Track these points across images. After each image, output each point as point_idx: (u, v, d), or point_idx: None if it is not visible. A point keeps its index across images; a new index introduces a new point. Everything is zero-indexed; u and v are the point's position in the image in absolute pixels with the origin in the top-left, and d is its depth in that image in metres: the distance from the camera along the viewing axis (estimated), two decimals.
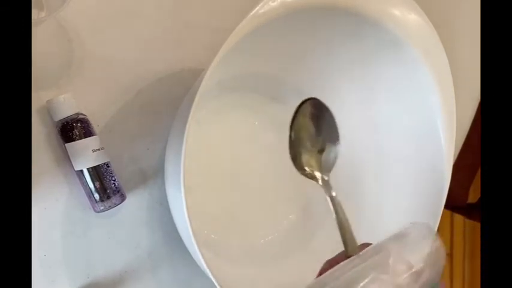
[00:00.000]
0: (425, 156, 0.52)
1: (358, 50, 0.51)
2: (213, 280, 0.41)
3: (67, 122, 0.47)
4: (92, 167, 0.47)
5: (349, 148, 0.59)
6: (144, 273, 0.52)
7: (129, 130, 0.52)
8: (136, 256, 0.52)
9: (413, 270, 0.33)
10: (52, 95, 0.47)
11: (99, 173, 0.48)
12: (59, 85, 0.49)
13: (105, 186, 0.48)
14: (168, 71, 0.54)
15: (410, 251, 0.35)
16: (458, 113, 0.51)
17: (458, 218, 1.53)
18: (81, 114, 0.48)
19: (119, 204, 0.49)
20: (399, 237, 0.37)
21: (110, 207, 0.48)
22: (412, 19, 0.47)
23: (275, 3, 0.41)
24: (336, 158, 0.45)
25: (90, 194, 0.48)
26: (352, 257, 0.36)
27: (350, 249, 0.39)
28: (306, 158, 0.44)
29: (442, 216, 0.51)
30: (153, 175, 0.53)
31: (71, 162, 0.47)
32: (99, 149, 0.47)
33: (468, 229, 1.57)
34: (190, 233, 0.39)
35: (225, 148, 0.56)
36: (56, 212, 0.48)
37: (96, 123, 0.49)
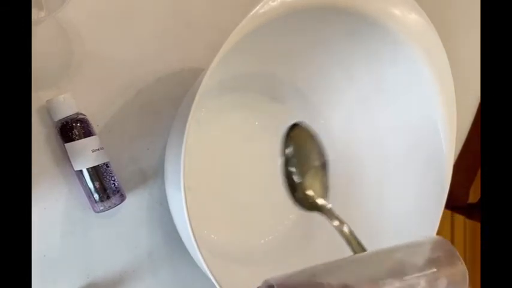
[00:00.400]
0: (425, 157, 0.52)
1: (358, 50, 0.51)
2: (213, 280, 0.41)
3: (67, 122, 0.47)
4: (91, 167, 0.47)
5: (349, 148, 0.59)
6: (144, 273, 0.52)
7: (129, 130, 0.52)
8: (136, 256, 0.52)
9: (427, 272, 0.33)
10: (52, 95, 0.47)
11: (98, 173, 0.48)
12: (59, 85, 0.49)
13: (105, 186, 0.48)
14: (168, 71, 0.54)
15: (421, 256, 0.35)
16: (458, 113, 0.51)
17: (458, 218, 1.52)
18: (81, 114, 0.48)
19: (118, 204, 0.49)
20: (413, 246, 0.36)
21: (110, 207, 0.48)
22: (412, 19, 0.47)
23: (275, 3, 0.41)
24: (328, 181, 0.45)
25: (89, 194, 0.48)
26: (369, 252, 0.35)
27: None
28: (305, 183, 0.44)
29: (442, 216, 0.51)
30: (153, 175, 0.53)
31: (70, 162, 0.47)
32: (98, 149, 0.47)
33: (468, 229, 1.57)
34: (190, 233, 0.39)
35: (225, 148, 0.56)
36: (55, 212, 0.48)
37: (95, 123, 0.49)
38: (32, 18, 0.46)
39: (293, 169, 0.43)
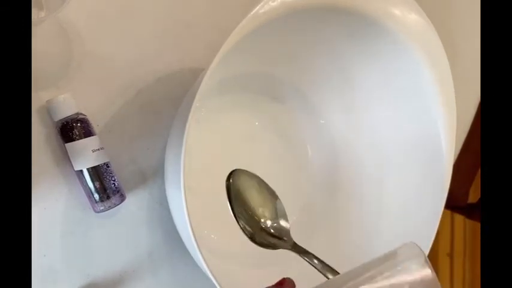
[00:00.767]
0: (425, 157, 0.52)
1: (358, 50, 0.51)
2: (213, 280, 0.41)
3: (67, 122, 0.47)
4: (91, 167, 0.47)
5: (349, 148, 0.59)
6: (144, 273, 0.52)
7: (129, 130, 0.52)
8: (136, 256, 0.52)
9: None
10: (52, 95, 0.47)
11: (99, 173, 0.48)
12: (59, 85, 0.49)
13: (105, 186, 0.48)
14: (168, 70, 0.54)
15: (398, 272, 0.34)
16: (458, 113, 0.51)
17: (458, 218, 1.52)
18: (81, 114, 0.48)
19: (118, 204, 0.49)
20: (388, 257, 0.36)
21: (110, 207, 0.48)
22: (412, 19, 0.47)
23: (275, 3, 0.41)
24: (284, 210, 0.45)
25: (90, 194, 0.48)
26: (338, 276, 0.35)
27: None
28: (260, 232, 0.44)
29: (442, 216, 0.51)
30: (153, 175, 0.53)
31: (70, 162, 0.47)
32: (99, 149, 0.47)
33: (468, 229, 1.57)
34: (190, 233, 0.39)
35: (225, 148, 0.56)
36: (55, 212, 0.48)
37: (96, 123, 0.49)
38: (32, 18, 0.46)
39: (243, 222, 0.44)
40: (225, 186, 0.44)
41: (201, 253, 0.39)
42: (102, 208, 0.48)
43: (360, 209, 0.57)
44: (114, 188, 0.48)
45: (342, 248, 0.56)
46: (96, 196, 0.48)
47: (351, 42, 0.50)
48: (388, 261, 0.34)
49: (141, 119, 0.52)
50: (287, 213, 0.58)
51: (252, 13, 0.40)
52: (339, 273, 0.39)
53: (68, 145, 0.47)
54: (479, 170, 1.03)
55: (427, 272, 0.32)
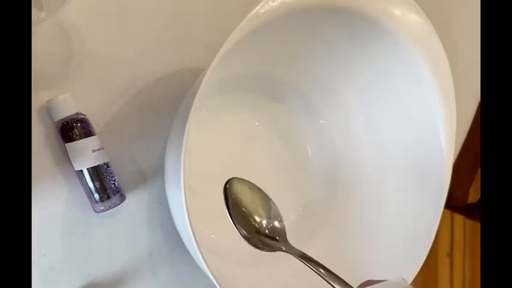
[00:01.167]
0: (425, 156, 0.53)
1: (358, 50, 0.51)
2: (213, 280, 0.41)
3: (67, 122, 0.47)
4: (91, 167, 0.47)
5: (349, 148, 0.59)
6: (144, 273, 0.52)
7: (129, 130, 0.52)
8: (136, 256, 0.52)
9: None
10: (52, 95, 0.47)
11: (99, 173, 0.48)
12: (59, 85, 0.49)
13: (105, 186, 0.48)
14: (168, 70, 0.54)
15: None
16: (458, 113, 0.51)
17: (458, 218, 1.53)
18: (81, 114, 0.48)
19: (118, 204, 0.49)
20: None
21: (110, 207, 0.48)
22: (412, 19, 0.47)
23: (275, 3, 0.41)
24: (279, 213, 0.47)
25: (90, 194, 0.48)
26: None
27: None
28: (256, 235, 0.46)
29: (442, 216, 0.51)
30: (153, 175, 0.53)
31: (70, 162, 0.47)
32: (99, 149, 0.47)
33: (468, 229, 1.57)
34: (190, 233, 0.39)
35: (225, 148, 0.56)
36: (56, 212, 0.48)
37: (96, 123, 0.49)
38: (32, 18, 0.46)
39: (240, 226, 0.45)
40: (223, 193, 0.45)
41: (201, 253, 0.39)
42: (102, 208, 0.48)
43: (359, 209, 0.57)
44: (114, 188, 0.48)
45: (341, 248, 0.56)
46: (96, 196, 0.48)
47: (350, 42, 0.50)
48: None
49: (141, 119, 0.52)
50: (287, 213, 0.58)
51: (252, 13, 0.40)
52: (335, 274, 0.40)
53: (68, 145, 0.47)
54: (479, 170, 1.03)
55: None
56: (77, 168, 0.47)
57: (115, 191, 0.49)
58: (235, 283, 0.45)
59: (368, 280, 0.38)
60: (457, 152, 0.70)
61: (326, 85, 0.56)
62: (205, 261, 0.40)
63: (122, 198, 0.49)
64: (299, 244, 0.57)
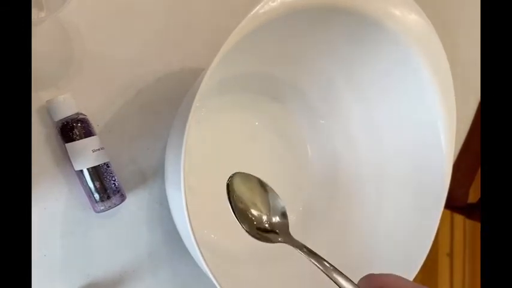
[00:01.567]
0: (425, 156, 0.52)
1: (358, 50, 0.51)
2: (213, 280, 0.41)
3: (67, 122, 0.47)
4: (91, 167, 0.47)
5: (349, 148, 0.59)
6: (144, 273, 0.52)
7: (129, 130, 0.52)
8: (136, 256, 0.52)
9: None
10: (52, 95, 0.47)
11: (99, 173, 0.48)
12: (59, 85, 0.49)
13: (105, 186, 0.48)
14: (168, 70, 0.54)
15: None
16: (458, 112, 0.51)
17: (458, 218, 1.53)
18: (81, 114, 0.48)
19: (118, 204, 0.49)
20: None
21: (110, 207, 0.48)
22: (412, 19, 0.47)
23: (275, 3, 0.41)
24: (283, 206, 0.46)
25: (90, 194, 0.48)
26: None
27: None
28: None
29: (442, 216, 0.51)
30: (153, 175, 0.53)
31: (70, 162, 0.47)
32: (99, 149, 0.47)
33: (468, 229, 1.57)
34: (190, 233, 0.39)
35: (225, 148, 0.56)
36: (56, 212, 0.48)
37: (96, 123, 0.49)
38: (32, 18, 0.46)
39: (241, 218, 0.45)
40: (226, 186, 0.45)
41: (201, 253, 0.39)
42: (102, 208, 0.48)
43: (359, 209, 0.57)
44: (114, 188, 0.48)
45: (341, 248, 0.56)
46: (97, 196, 0.48)
47: (350, 42, 0.50)
48: None
49: (141, 119, 0.52)
50: (287, 213, 0.58)
51: (252, 13, 0.40)
52: (332, 265, 0.39)
53: (68, 145, 0.47)
54: (479, 170, 1.03)
55: None
56: (77, 168, 0.47)
57: (115, 191, 0.49)
58: (235, 283, 0.45)
59: (369, 274, 0.38)
60: (457, 152, 0.70)
61: (326, 85, 0.56)
62: (205, 261, 0.40)
63: (122, 198, 0.49)
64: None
